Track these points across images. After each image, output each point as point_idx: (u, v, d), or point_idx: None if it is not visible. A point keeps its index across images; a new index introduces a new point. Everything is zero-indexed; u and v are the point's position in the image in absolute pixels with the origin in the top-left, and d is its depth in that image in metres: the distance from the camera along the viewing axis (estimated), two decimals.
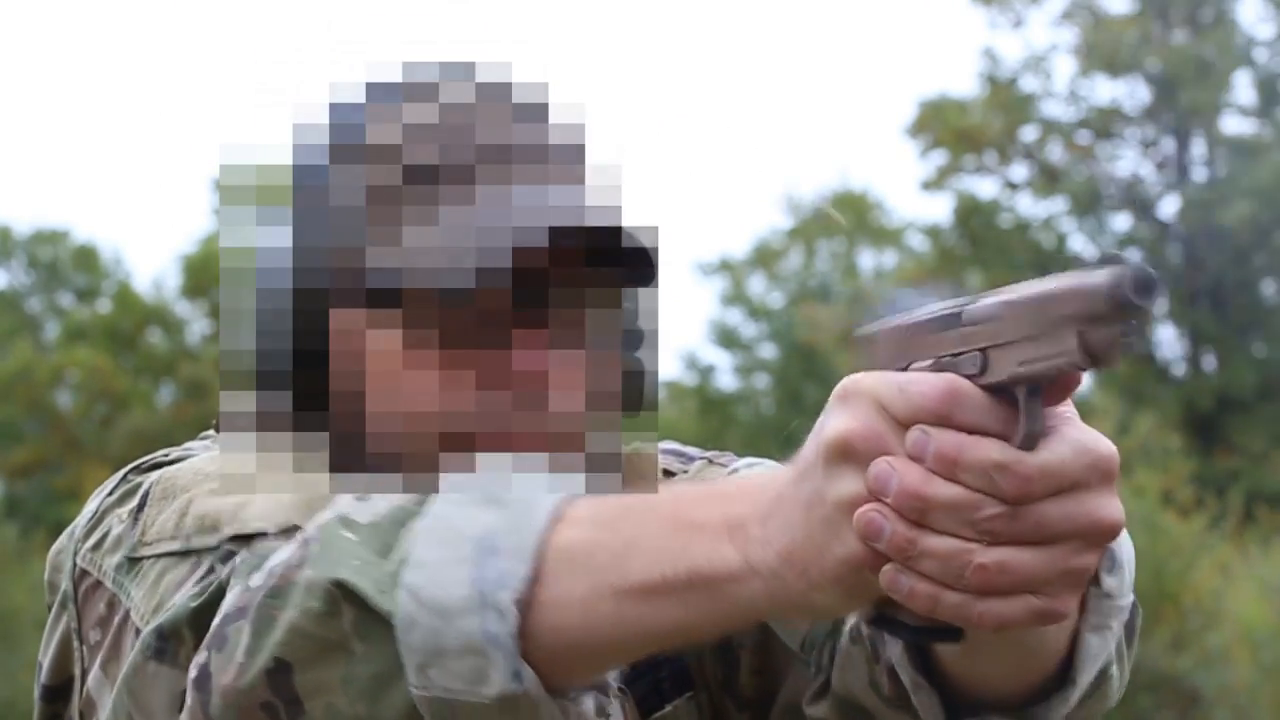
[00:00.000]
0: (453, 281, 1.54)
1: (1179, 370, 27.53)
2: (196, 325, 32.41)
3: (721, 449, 1.80)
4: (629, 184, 1.62)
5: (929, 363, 1.26)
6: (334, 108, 1.64)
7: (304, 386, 1.60)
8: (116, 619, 1.54)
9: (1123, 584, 1.46)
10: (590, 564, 1.30)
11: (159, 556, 1.53)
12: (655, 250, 1.56)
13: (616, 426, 1.59)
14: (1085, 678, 1.45)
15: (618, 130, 1.65)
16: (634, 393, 1.62)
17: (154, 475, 1.60)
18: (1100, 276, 1.16)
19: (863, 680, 1.56)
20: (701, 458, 1.78)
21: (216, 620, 1.40)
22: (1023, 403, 1.20)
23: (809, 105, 59.07)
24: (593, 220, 1.57)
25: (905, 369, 1.27)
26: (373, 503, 1.40)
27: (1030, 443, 1.19)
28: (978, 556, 1.19)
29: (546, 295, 1.56)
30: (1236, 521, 17.81)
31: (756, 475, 1.31)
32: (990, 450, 1.20)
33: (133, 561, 1.55)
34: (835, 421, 1.24)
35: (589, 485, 1.57)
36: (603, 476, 1.58)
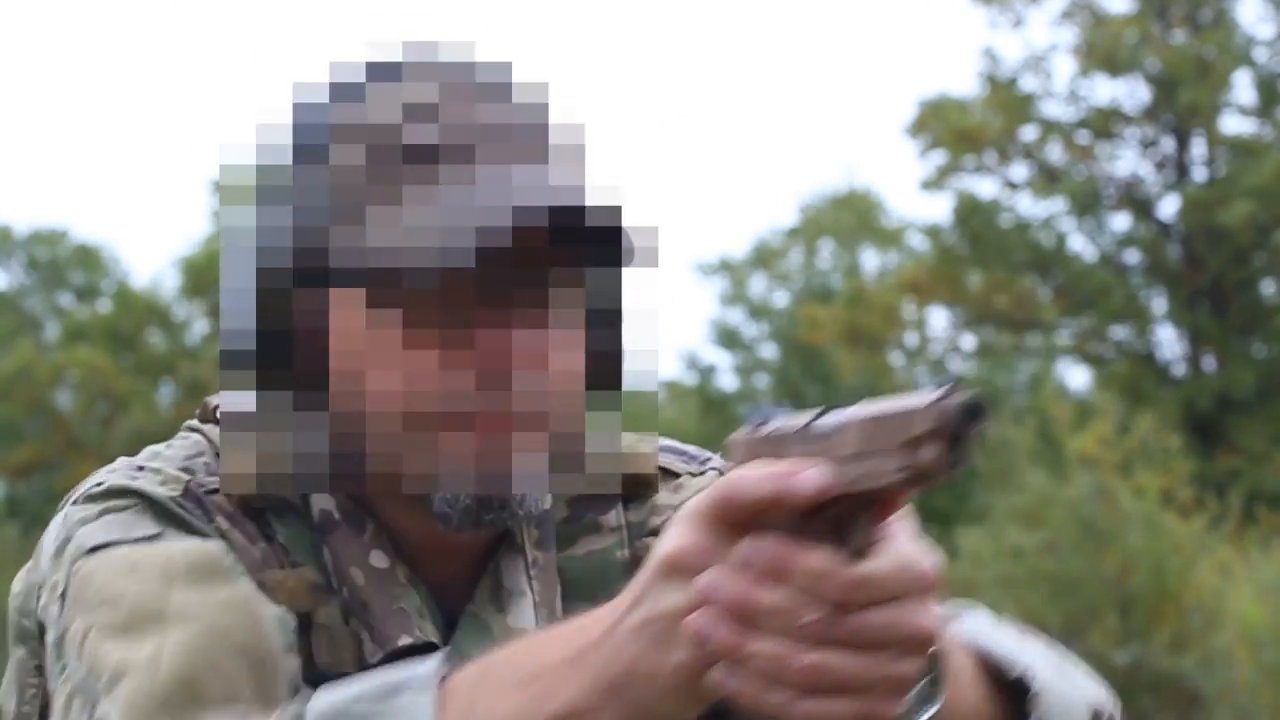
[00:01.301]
0: (416, 262, 1.54)
1: (1179, 370, 27.53)
2: (197, 326, 32.42)
3: (722, 449, 1.80)
4: (595, 160, 1.62)
5: None
6: (297, 103, 1.64)
7: (269, 367, 1.60)
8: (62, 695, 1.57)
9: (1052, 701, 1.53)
10: None
11: (68, 677, 1.56)
12: (619, 230, 1.56)
13: (581, 407, 1.60)
14: None
15: (585, 105, 1.65)
16: (603, 373, 1.62)
17: (83, 568, 1.59)
18: (929, 401, 1.22)
19: None
20: (712, 469, 1.78)
21: None
22: (854, 516, 1.27)
23: (809, 105, 59.03)
24: (556, 200, 1.57)
25: None
26: None
27: (857, 554, 1.27)
28: (798, 658, 1.26)
29: (510, 276, 1.56)
30: (1237, 522, 17.81)
31: (598, 609, 1.41)
32: (814, 560, 1.26)
33: (58, 655, 1.57)
34: (667, 540, 1.32)
35: (554, 484, 1.59)
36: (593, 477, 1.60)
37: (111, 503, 1.62)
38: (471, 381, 1.56)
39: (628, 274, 1.62)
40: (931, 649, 1.31)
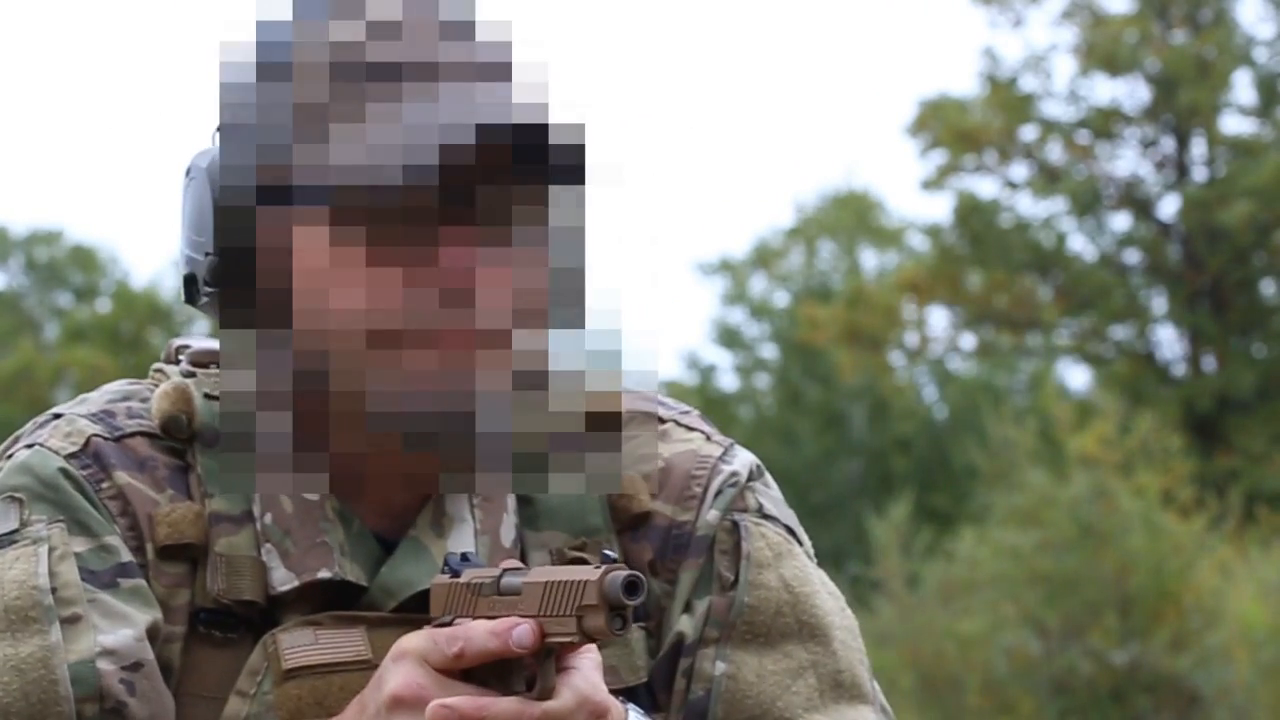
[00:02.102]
0: (379, 179, 1.55)
1: (1179, 370, 27.52)
2: (198, 325, 32.39)
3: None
4: (558, 85, 1.62)
5: (471, 620, 1.56)
6: (261, 21, 1.64)
7: (265, 285, 1.60)
8: None
9: None
10: None
11: None
12: (582, 148, 1.57)
13: (544, 324, 1.60)
14: None
15: (548, 36, 1.66)
16: (566, 290, 1.62)
17: None
18: (594, 575, 1.48)
19: None
20: (699, 430, 1.81)
21: None
22: (541, 660, 1.52)
23: (809, 105, 59.02)
24: (519, 118, 1.57)
25: (450, 623, 1.56)
26: None
27: (545, 694, 1.52)
28: None
29: (474, 194, 1.56)
30: (1236, 522, 17.80)
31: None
32: (506, 705, 1.50)
33: None
34: (388, 678, 1.53)
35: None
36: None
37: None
38: (435, 300, 1.57)
39: (566, 192, 1.61)
40: None
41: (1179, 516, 16.32)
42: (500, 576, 1.54)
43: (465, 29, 1.61)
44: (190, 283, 1.67)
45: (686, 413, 1.82)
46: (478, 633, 1.51)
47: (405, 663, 1.53)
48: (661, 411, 1.79)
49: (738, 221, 62.79)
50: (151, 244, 59.65)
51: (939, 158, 28.04)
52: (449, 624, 1.56)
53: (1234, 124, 28.69)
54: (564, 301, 1.62)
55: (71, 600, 1.61)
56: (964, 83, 53.82)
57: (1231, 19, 27.41)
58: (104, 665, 1.59)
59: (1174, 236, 27.57)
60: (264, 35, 1.63)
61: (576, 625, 1.48)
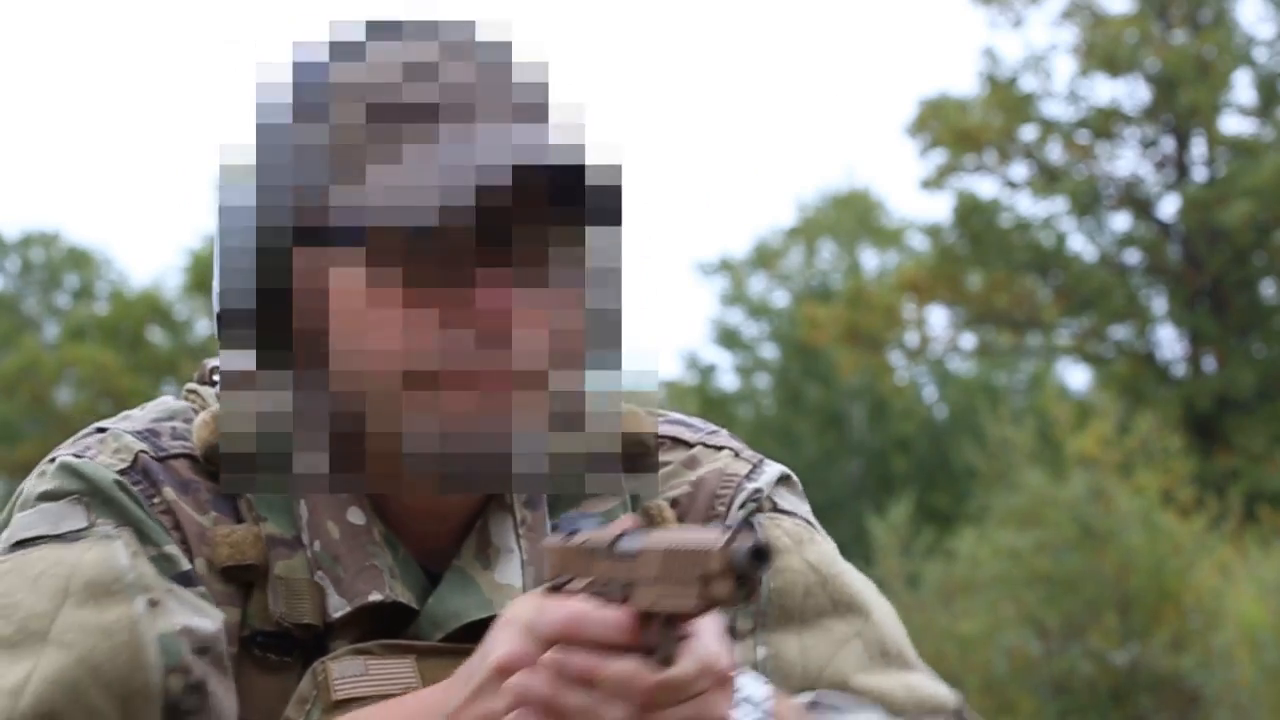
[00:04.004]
0: (416, 220, 1.54)
1: (1179, 370, 27.51)
2: (200, 325, 32.39)
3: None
4: (595, 126, 1.62)
5: (586, 583, 1.50)
6: (297, 62, 1.63)
7: (268, 325, 1.60)
8: None
9: None
10: None
11: None
12: (618, 189, 1.56)
13: (580, 366, 1.60)
14: None
15: (585, 77, 1.66)
16: (601, 332, 1.62)
17: (6, 563, 1.63)
18: (719, 543, 1.40)
19: None
20: (727, 447, 1.80)
21: None
22: (658, 629, 1.45)
23: (809, 104, 59.01)
24: (556, 159, 1.57)
25: (563, 586, 1.50)
26: None
27: (665, 662, 1.45)
28: None
29: (510, 235, 1.56)
30: (1237, 521, 17.79)
31: (439, 688, 1.55)
32: (622, 667, 1.42)
33: None
34: (493, 645, 1.48)
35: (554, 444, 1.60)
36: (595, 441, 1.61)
37: (52, 486, 1.65)
38: (471, 340, 1.56)
39: (603, 233, 1.61)
40: None
41: (1179, 516, 16.32)
42: (617, 540, 1.47)
43: (502, 69, 1.61)
44: (219, 321, 1.67)
45: (714, 433, 1.82)
46: (595, 620, 1.44)
47: (513, 630, 1.47)
48: (689, 435, 1.79)
49: (738, 221, 62.80)
50: (151, 245, 59.64)
51: (939, 157, 28.04)
52: (562, 586, 1.50)
53: (1234, 124, 28.71)
54: (600, 343, 1.61)
55: (150, 586, 1.60)
56: (964, 83, 53.83)
57: (1231, 19, 27.40)
58: (187, 644, 1.59)
59: (1174, 236, 27.57)
60: (301, 76, 1.63)
61: (699, 593, 1.41)
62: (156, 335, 32.89)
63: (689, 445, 1.78)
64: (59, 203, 58.13)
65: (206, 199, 32.84)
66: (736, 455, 1.79)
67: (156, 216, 59.02)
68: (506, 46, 1.62)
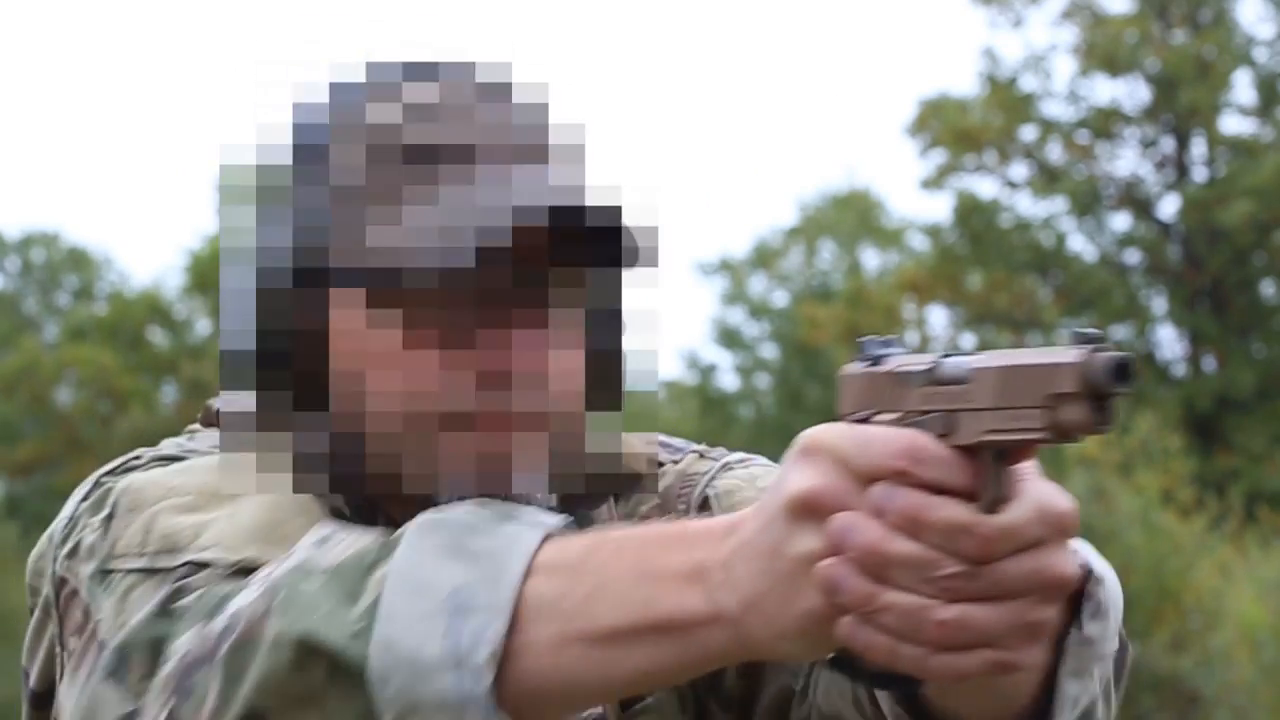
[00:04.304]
0: (417, 262, 1.54)
1: (1179, 370, 27.52)
2: (200, 324, 32.40)
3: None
4: (595, 160, 1.62)
5: (896, 416, 1.28)
6: (334, 87, 1.63)
7: (301, 373, 1.59)
8: (89, 629, 1.54)
9: (1106, 630, 1.48)
10: (559, 610, 1.32)
11: (127, 572, 1.53)
12: (620, 230, 1.55)
13: (581, 408, 1.59)
14: (1064, 718, 1.47)
15: (585, 105, 1.65)
16: (604, 374, 1.62)
17: (123, 484, 1.60)
18: (1076, 356, 1.18)
19: (846, 697, 1.58)
20: (692, 451, 1.78)
21: (175, 663, 1.41)
22: (989, 467, 1.23)
23: (809, 105, 59.05)
24: (556, 201, 1.56)
25: (869, 419, 1.29)
26: (333, 545, 1.40)
27: (995, 505, 1.22)
28: (936, 613, 1.22)
29: (511, 277, 1.55)
30: (1236, 521, 17.80)
31: (722, 517, 1.33)
32: (954, 511, 1.22)
33: (104, 574, 1.55)
34: (797, 476, 1.26)
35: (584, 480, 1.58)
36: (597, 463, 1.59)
37: (161, 454, 1.64)
38: (472, 382, 1.56)
39: (629, 274, 1.61)
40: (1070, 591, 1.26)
41: (1179, 516, 16.32)
42: (940, 360, 1.26)
43: (503, 111, 1.61)
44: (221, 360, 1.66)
45: (686, 451, 1.80)
46: (936, 455, 1.23)
47: (822, 461, 1.26)
48: (663, 455, 1.78)
49: (738, 221, 62.81)
50: (151, 245, 59.65)
51: (939, 157, 28.07)
52: (866, 422, 1.29)
53: (1234, 124, 28.73)
54: (601, 385, 1.61)
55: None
56: (964, 83, 53.82)
57: (1231, 19, 27.43)
58: None
59: (1174, 236, 27.58)
60: (301, 117, 1.63)
61: (1046, 419, 1.19)
62: (156, 335, 32.89)
63: (660, 465, 1.77)
64: (59, 203, 58.14)
65: (206, 200, 32.86)
66: (701, 456, 1.77)
67: (156, 217, 59.02)
68: (506, 88, 1.62)
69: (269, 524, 1.52)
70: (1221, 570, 16.24)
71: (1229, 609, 15.66)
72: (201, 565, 1.49)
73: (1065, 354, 1.19)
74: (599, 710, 1.45)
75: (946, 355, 1.26)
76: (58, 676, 1.60)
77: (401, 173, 1.58)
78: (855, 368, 1.32)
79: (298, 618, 1.35)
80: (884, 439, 1.24)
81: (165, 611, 1.46)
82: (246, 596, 1.40)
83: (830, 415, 1.32)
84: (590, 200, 1.58)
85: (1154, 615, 15.39)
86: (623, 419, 1.63)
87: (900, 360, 1.29)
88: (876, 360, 1.31)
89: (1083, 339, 1.19)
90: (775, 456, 1.83)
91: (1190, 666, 15.28)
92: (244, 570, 1.47)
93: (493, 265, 1.54)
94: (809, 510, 1.25)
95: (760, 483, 1.71)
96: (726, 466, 1.74)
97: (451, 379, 1.56)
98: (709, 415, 33.92)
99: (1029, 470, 1.25)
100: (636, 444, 1.73)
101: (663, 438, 1.80)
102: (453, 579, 1.33)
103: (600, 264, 1.58)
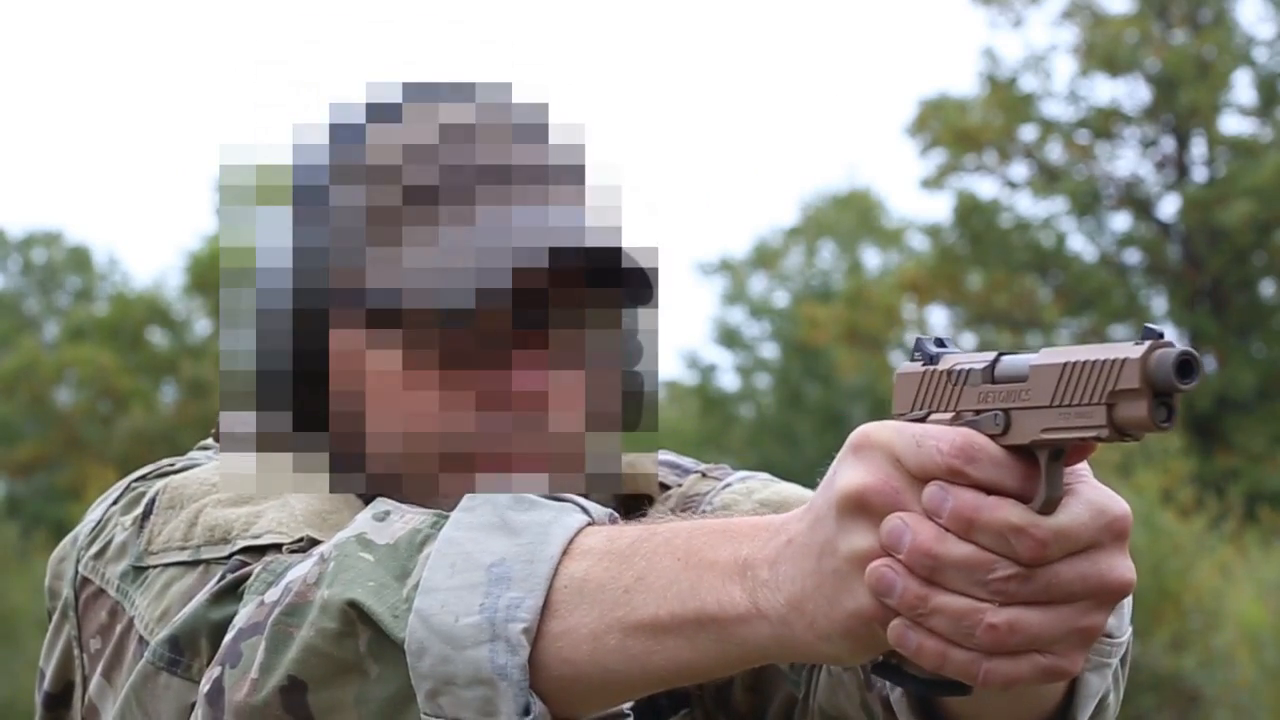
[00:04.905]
0: (452, 302, 1.54)
1: None
2: (200, 324, 32.39)
3: (722, 448, 1.79)
4: (629, 203, 1.62)
5: (949, 415, 1.26)
6: (334, 128, 1.63)
7: (303, 405, 1.59)
8: (119, 627, 1.54)
9: (1122, 622, 1.47)
10: (600, 598, 1.30)
11: (166, 566, 1.54)
12: (654, 271, 1.56)
13: (617, 447, 1.59)
14: (1085, 714, 1.47)
15: (618, 149, 1.64)
16: (634, 411, 1.62)
17: (160, 484, 1.60)
18: (1139, 353, 1.16)
19: (854, 702, 1.57)
20: (695, 471, 1.77)
21: (230, 635, 1.40)
22: (1044, 467, 1.21)
23: (809, 105, 59.05)
24: (592, 241, 1.56)
25: (924, 418, 1.27)
26: (391, 523, 1.40)
27: (1049, 507, 1.20)
28: (988, 616, 1.20)
29: (547, 315, 1.55)
30: (1236, 521, 17.80)
31: (769, 515, 1.31)
32: (1008, 513, 1.20)
33: (138, 570, 1.55)
34: (849, 473, 1.24)
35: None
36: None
37: (194, 462, 1.64)
38: (509, 423, 1.56)
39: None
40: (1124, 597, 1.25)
41: (1179, 516, 16.32)
42: (996, 360, 1.24)
43: (502, 134, 1.60)
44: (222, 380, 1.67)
45: (692, 472, 1.79)
46: (991, 454, 1.21)
47: (875, 458, 1.24)
48: (669, 477, 1.77)
49: (738, 221, 62.80)
50: (151, 245, 59.65)
51: (939, 157, 28.06)
52: (922, 421, 1.27)
53: (1234, 124, 28.73)
54: (634, 423, 1.62)
55: None
56: (964, 83, 53.83)
57: (1231, 19, 27.42)
58: None
59: (1174, 236, 27.58)
60: (301, 158, 1.63)
61: (1106, 417, 1.16)
62: (156, 336, 32.87)
63: (667, 488, 1.76)
64: (61, 203, 58.14)
65: (207, 200, 32.85)
66: (704, 476, 1.76)
67: (157, 217, 59.03)
68: (543, 128, 1.61)
69: (320, 513, 1.53)
70: (1222, 570, 16.23)
71: (1229, 609, 15.65)
72: (258, 551, 1.49)
73: (1127, 349, 1.17)
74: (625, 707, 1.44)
75: (1004, 353, 1.25)
76: (75, 678, 1.60)
77: (401, 214, 1.58)
78: (911, 366, 1.30)
79: (347, 586, 1.35)
80: (937, 437, 1.22)
81: (221, 597, 1.46)
82: (302, 568, 1.40)
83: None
84: (589, 240, 1.58)
85: (1154, 615, 15.38)
86: (620, 441, 1.61)
87: (956, 358, 1.28)
88: (933, 359, 1.29)
89: (1146, 335, 1.17)
90: (775, 456, 1.83)
91: (1191, 666, 15.27)
92: (307, 546, 1.47)
93: (528, 304, 1.54)
94: (861, 508, 1.23)
95: (757, 496, 1.70)
96: (726, 485, 1.74)
97: (451, 420, 1.56)
98: (709, 415, 33.90)
99: (1083, 471, 1.24)
100: (646, 464, 1.72)
101: (670, 456, 1.80)
102: (494, 551, 1.33)
103: (601, 304, 1.57)
